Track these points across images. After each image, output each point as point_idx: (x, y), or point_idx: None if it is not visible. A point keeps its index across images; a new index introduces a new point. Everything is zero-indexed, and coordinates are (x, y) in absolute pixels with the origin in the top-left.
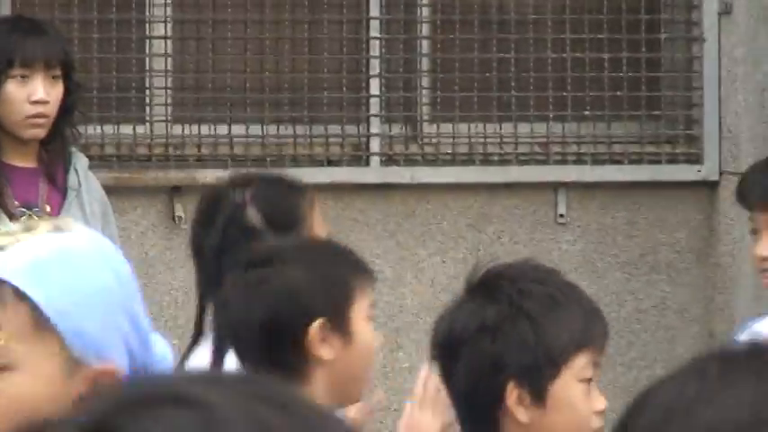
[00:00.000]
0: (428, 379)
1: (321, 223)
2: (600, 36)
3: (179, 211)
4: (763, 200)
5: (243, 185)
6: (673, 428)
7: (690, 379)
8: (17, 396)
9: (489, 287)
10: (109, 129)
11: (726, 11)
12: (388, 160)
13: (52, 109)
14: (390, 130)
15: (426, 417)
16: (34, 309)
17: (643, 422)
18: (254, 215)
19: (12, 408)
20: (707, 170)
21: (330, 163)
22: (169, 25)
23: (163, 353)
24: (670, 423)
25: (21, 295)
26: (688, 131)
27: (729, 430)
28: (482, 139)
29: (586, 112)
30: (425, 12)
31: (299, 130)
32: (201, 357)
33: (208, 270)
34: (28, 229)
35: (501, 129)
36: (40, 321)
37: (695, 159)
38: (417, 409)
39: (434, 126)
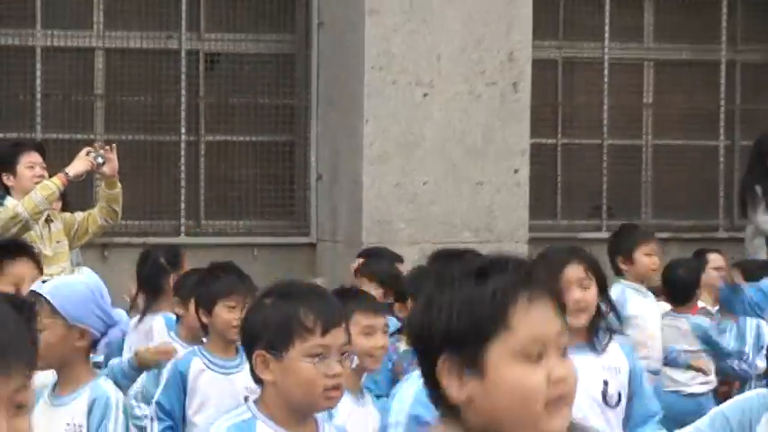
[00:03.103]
0: None
1: None
2: None
3: None
4: None
5: None
6: None
7: None
8: (45, 341)
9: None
10: None
11: None
12: None
13: None
14: None
15: None
16: (50, 305)
17: None
18: None
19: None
20: None
21: None
22: None
23: (120, 317)
24: None
25: (47, 300)
26: None
27: None
28: None
29: None
30: None
31: None
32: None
33: None
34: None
35: None
36: (54, 310)
37: None
38: None
39: None
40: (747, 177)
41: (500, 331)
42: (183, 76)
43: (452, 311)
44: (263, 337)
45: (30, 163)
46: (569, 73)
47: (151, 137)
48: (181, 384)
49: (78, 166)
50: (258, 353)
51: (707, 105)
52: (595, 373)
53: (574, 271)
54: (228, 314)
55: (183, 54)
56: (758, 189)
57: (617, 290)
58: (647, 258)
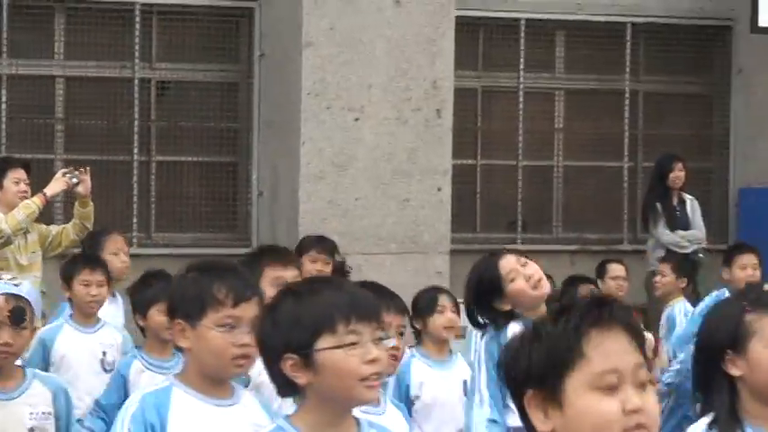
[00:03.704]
0: None
1: None
2: None
3: None
4: None
5: None
6: None
7: None
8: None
9: None
10: None
11: None
12: None
13: None
14: None
15: None
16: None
17: None
18: None
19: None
20: None
21: None
22: None
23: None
24: None
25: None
26: None
27: None
28: None
29: None
30: None
31: None
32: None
33: None
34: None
35: None
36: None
37: None
38: None
39: None
40: (649, 195)
41: (575, 363)
42: (136, 102)
43: (533, 349)
44: (181, 308)
45: (16, 179)
46: (488, 100)
47: (106, 157)
48: (122, 385)
49: (55, 186)
50: (176, 321)
51: (612, 130)
52: None
53: None
54: (161, 317)
55: (135, 82)
56: (658, 206)
57: None
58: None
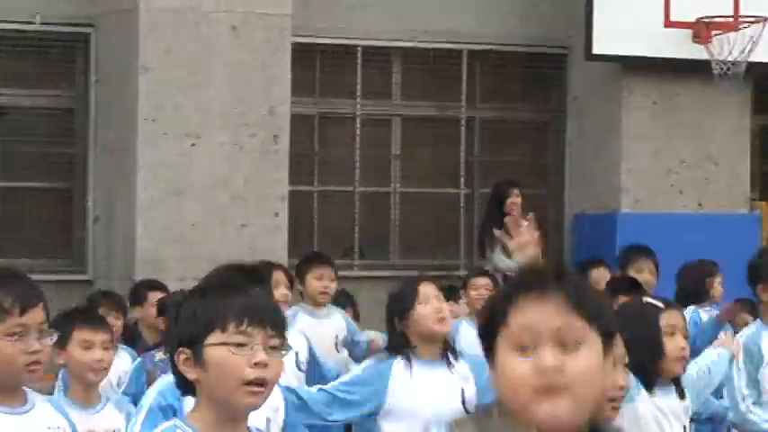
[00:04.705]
0: None
1: None
2: None
3: None
4: None
5: None
6: None
7: None
8: None
9: None
10: None
11: None
12: None
13: None
14: None
15: None
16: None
17: None
18: None
19: None
20: None
21: None
22: None
23: None
24: None
25: None
26: None
27: None
28: None
29: None
30: None
31: None
32: None
33: None
34: None
35: None
36: None
37: None
38: None
39: None
40: (486, 221)
41: (501, 326)
42: None
43: (490, 313)
44: None
45: None
46: (325, 126)
47: None
48: None
49: None
50: None
51: (449, 157)
52: None
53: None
54: None
55: None
56: (495, 232)
57: None
58: None
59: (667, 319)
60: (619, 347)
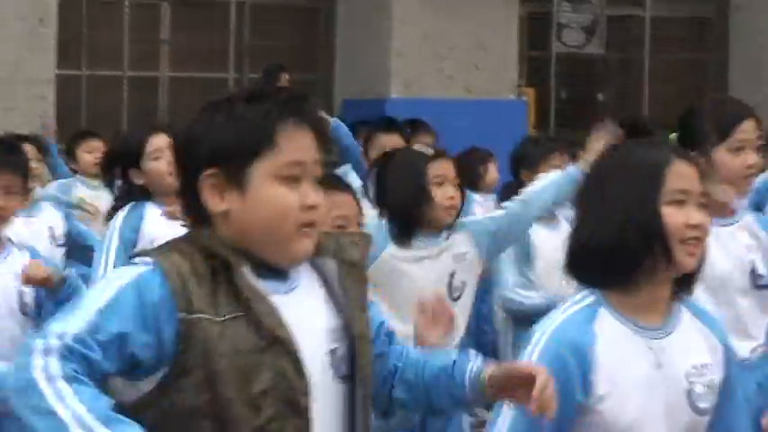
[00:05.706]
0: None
1: None
2: None
3: None
4: None
5: None
6: None
7: None
8: None
9: None
10: None
11: None
12: None
13: None
14: None
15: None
16: None
17: None
18: None
19: None
20: None
21: None
22: None
23: None
24: None
25: None
26: None
27: None
28: None
29: None
30: None
31: None
32: None
33: None
34: None
35: None
36: None
37: None
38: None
39: None
40: None
41: (265, 150)
42: None
43: (223, 129)
44: None
45: None
46: (93, 10)
47: None
48: None
49: None
50: None
51: (219, 41)
52: None
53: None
54: None
55: None
56: None
57: None
58: None
59: (436, 168)
60: None
